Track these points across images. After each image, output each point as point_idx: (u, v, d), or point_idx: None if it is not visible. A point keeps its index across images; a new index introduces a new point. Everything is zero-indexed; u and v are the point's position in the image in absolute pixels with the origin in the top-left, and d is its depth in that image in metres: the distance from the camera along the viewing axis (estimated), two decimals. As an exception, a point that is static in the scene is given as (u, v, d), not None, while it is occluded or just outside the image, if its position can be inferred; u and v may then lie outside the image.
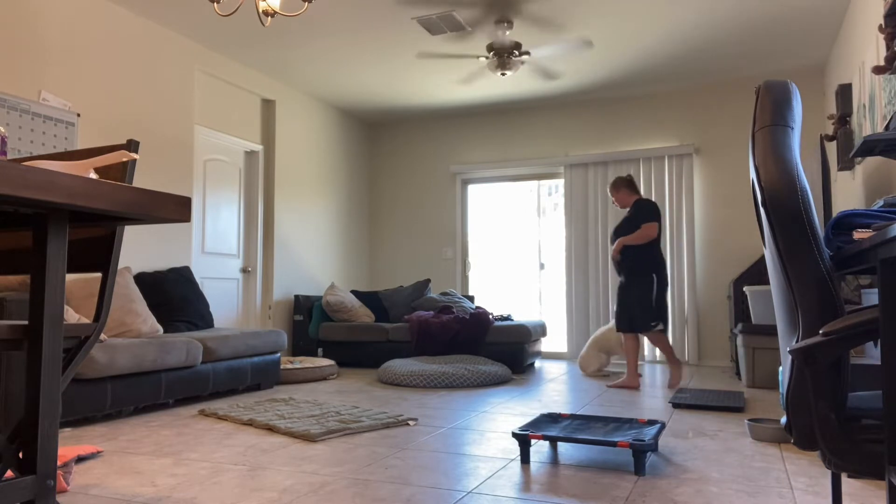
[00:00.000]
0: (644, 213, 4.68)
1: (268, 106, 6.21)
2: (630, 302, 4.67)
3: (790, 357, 1.27)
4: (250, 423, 3.37)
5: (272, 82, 6.16)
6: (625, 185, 4.86)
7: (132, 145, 1.88)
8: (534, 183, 7.26)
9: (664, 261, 4.75)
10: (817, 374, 1.20)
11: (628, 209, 4.86)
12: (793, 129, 1.32)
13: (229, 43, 5.31)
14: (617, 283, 6.62)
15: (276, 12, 3.47)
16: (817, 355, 1.18)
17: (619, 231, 4.80)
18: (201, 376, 4.06)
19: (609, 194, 5.16)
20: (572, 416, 3.02)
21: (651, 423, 2.87)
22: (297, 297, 6.26)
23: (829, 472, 2.43)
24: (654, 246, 4.69)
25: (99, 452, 2.75)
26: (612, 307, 6.64)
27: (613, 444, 2.48)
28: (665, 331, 4.76)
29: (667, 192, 6.51)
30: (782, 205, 1.25)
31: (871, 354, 3.27)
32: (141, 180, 4.77)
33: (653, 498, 2.16)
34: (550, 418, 3.01)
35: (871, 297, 3.21)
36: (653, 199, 5.05)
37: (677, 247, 6.42)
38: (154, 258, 4.88)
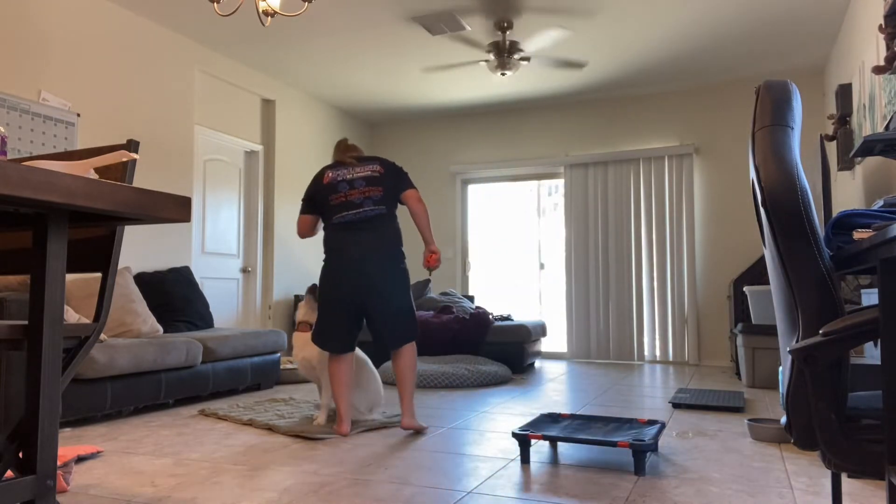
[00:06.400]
0: None
1: (268, 106, 6.21)
2: None
3: (790, 357, 1.27)
4: (250, 423, 3.37)
5: (272, 82, 6.16)
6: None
7: (132, 145, 1.88)
8: (534, 183, 7.26)
9: (338, 249, 3.15)
10: (817, 374, 1.20)
11: None
12: (793, 129, 1.32)
13: (229, 43, 5.31)
14: (615, 284, 6.63)
15: (276, 12, 3.47)
16: (817, 355, 1.18)
17: None
18: (201, 376, 4.06)
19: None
20: (572, 416, 3.02)
21: (651, 423, 2.87)
22: (297, 297, 6.25)
23: (829, 472, 2.43)
24: (327, 231, 3.25)
25: (99, 452, 2.74)
26: (613, 308, 6.64)
27: (613, 444, 2.48)
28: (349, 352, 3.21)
29: (667, 192, 6.51)
30: (782, 205, 1.25)
31: (871, 354, 3.27)
32: (141, 180, 4.77)
33: (653, 498, 2.16)
34: (550, 418, 3.01)
35: (871, 297, 3.21)
36: (323, 169, 3.32)
37: (677, 246, 6.42)
38: (154, 258, 4.88)
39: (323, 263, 3.25)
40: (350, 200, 3.17)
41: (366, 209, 3.17)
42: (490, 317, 5.79)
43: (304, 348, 3.41)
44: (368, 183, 3.21)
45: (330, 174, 3.24)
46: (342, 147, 3.38)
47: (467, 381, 4.78)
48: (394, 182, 3.26)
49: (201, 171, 5.49)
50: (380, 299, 3.13)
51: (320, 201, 3.23)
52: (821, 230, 1.28)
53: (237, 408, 3.76)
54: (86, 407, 3.34)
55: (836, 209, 5.47)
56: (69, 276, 4.01)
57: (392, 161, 3.57)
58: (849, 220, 1.60)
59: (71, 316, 3.53)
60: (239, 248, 5.91)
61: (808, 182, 3.78)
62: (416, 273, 7.51)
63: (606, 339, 6.64)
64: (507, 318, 6.17)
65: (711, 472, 2.47)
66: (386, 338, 3.21)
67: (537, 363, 6.43)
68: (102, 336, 3.66)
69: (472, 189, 7.48)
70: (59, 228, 1.35)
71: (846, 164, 4.47)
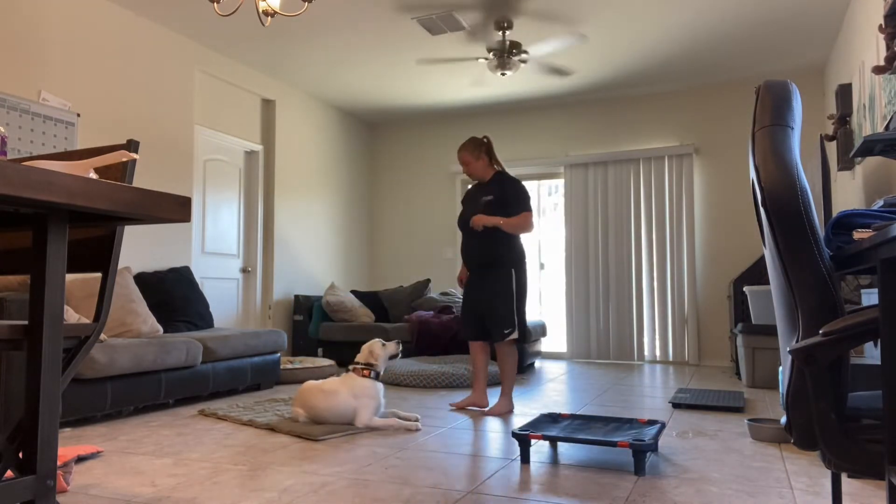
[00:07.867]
0: (519, 196, 3.74)
1: (268, 106, 6.21)
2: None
3: (790, 357, 1.27)
4: (250, 423, 3.37)
5: (272, 82, 6.16)
6: (486, 150, 3.88)
7: (132, 145, 1.88)
8: (534, 183, 7.26)
9: (524, 253, 3.87)
10: (817, 374, 1.20)
11: (486, 182, 3.88)
12: (793, 129, 1.32)
13: (229, 43, 5.31)
14: (615, 283, 6.63)
15: (276, 12, 3.47)
16: (817, 355, 1.18)
17: (481, 210, 3.79)
18: (201, 376, 4.06)
19: (460, 159, 3.90)
20: (572, 416, 3.02)
21: (651, 423, 2.87)
22: (297, 297, 6.25)
23: (829, 472, 2.43)
24: (522, 242, 3.87)
25: (99, 452, 2.74)
26: (613, 308, 6.63)
27: (613, 444, 2.48)
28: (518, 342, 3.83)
29: (667, 192, 6.51)
30: (782, 205, 1.25)
31: (871, 354, 3.27)
32: (141, 180, 4.77)
33: (653, 498, 2.16)
34: (550, 418, 3.01)
35: (871, 297, 3.21)
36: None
37: (677, 246, 6.42)
38: (154, 258, 4.88)
39: (521, 269, 3.80)
40: None
41: None
42: (490, 317, 5.79)
43: (376, 396, 3.34)
44: None
45: None
46: None
47: (467, 381, 4.78)
48: None
49: (201, 171, 5.49)
50: None
51: None
52: (821, 230, 1.28)
53: (237, 408, 3.76)
54: (86, 407, 3.34)
55: (836, 209, 5.47)
56: (69, 276, 4.01)
57: None
58: (849, 220, 1.60)
59: (71, 316, 3.53)
60: (239, 248, 5.92)
61: (808, 182, 3.77)
62: (419, 274, 7.51)
63: (606, 339, 6.64)
64: (507, 318, 6.16)
65: (711, 472, 2.47)
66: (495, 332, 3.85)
67: (537, 363, 6.43)
68: (102, 336, 3.66)
69: (472, 189, 7.48)
70: (59, 228, 1.34)
71: (846, 164, 4.47)
